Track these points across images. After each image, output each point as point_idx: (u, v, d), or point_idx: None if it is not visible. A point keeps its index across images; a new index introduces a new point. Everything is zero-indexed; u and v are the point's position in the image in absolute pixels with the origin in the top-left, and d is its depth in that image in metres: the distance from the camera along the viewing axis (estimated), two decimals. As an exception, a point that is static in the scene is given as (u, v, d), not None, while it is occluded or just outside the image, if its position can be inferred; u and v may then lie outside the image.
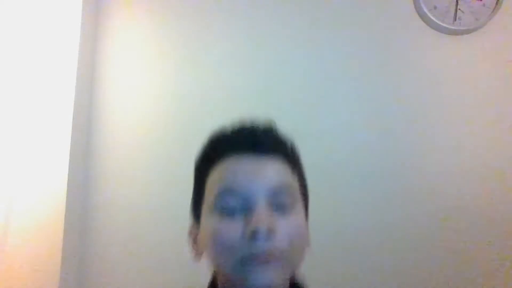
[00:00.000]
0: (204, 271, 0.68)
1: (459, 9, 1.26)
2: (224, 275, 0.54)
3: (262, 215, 0.49)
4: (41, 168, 1.28)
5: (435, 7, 1.26)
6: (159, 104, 1.34)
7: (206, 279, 0.68)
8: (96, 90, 1.40)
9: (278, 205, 0.52)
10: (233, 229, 0.50)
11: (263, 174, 0.53)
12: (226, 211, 0.51)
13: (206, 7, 1.37)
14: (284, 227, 0.50)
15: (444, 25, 1.26)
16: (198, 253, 0.58)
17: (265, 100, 1.32)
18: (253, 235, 0.48)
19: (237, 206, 0.51)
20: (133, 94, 1.37)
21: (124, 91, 1.38)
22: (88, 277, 1.38)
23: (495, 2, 1.24)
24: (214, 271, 0.59)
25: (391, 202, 1.31)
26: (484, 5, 1.24)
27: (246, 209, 0.51)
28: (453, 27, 1.26)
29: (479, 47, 1.28)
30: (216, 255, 0.52)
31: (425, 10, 1.26)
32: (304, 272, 0.72)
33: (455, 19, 1.26)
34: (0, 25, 1.27)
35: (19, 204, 1.26)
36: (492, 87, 1.29)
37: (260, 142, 0.55)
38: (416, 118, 1.31)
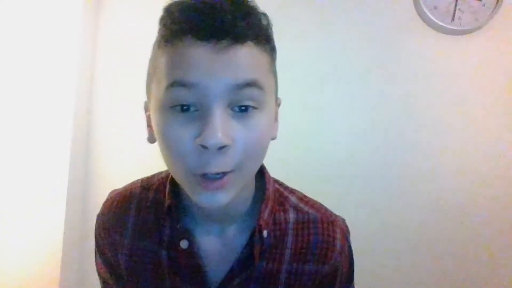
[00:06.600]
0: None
1: (459, 9, 1.25)
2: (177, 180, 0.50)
3: (217, 126, 0.41)
4: (41, 167, 1.28)
5: (435, 7, 1.26)
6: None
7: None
8: (95, 89, 1.40)
9: (241, 106, 0.44)
10: (184, 132, 0.43)
11: (227, 67, 0.42)
12: (177, 107, 0.43)
13: None
14: (242, 136, 0.44)
15: (444, 25, 1.26)
16: (152, 138, 0.51)
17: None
18: (203, 149, 0.42)
19: (191, 100, 0.42)
20: (133, 92, 1.37)
21: (124, 89, 1.38)
22: (88, 277, 1.38)
23: (495, 2, 1.24)
24: None
25: (391, 201, 1.32)
26: (484, 5, 1.24)
27: (201, 106, 0.43)
28: (453, 27, 1.26)
29: (479, 47, 1.28)
30: (165, 159, 0.47)
31: (425, 10, 1.26)
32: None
33: (453, 19, 1.26)
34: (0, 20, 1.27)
35: (19, 204, 1.26)
36: (492, 86, 1.29)
37: (226, 23, 0.41)
38: (415, 117, 1.31)
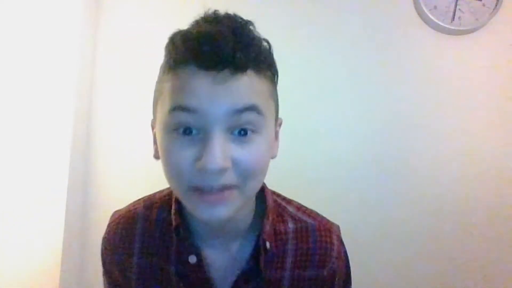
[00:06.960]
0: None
1: (459, 9, 1.25)
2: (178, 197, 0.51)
3: (216, 151, 0.43)
4: (41, 167, 1.28)
5: (435, 7, 1.26)
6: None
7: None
8: (95, 89, 1.40)
9: (241, 130, 0.45)
10: (186, 154, 0.45)
11: (226, 94, 0.44)
12: (180, 129, 0.45)
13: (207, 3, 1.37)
14: (241, 159, 0.45)
15: (444, 25, 1.26)
16: (157, 155, 0.52)
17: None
18: (203, 171, 0.43)
19: (193, 124, 0.45)
20: (133, 92, 1.37)
21: (124, 89, 1.38)
22: (88, 277, 1.38)
23: (495, 2, 1.24)
24: None
25: (391, 200, 1.32)
26: (484, 5, 1.24)
27: (202, 130, 0.45)
28: (453, 27, 1.26)
29: (479, 47, 1.28)
30: (167, 177, 0.48)
31: (425, 10, 1.26)
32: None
33: (453, 19, 1.26)
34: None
35: (19, 204, 1.25)
36: (491, 86, 1.29)
37: (226, 55, 0.43)
38: (415, 117, 1.31)
